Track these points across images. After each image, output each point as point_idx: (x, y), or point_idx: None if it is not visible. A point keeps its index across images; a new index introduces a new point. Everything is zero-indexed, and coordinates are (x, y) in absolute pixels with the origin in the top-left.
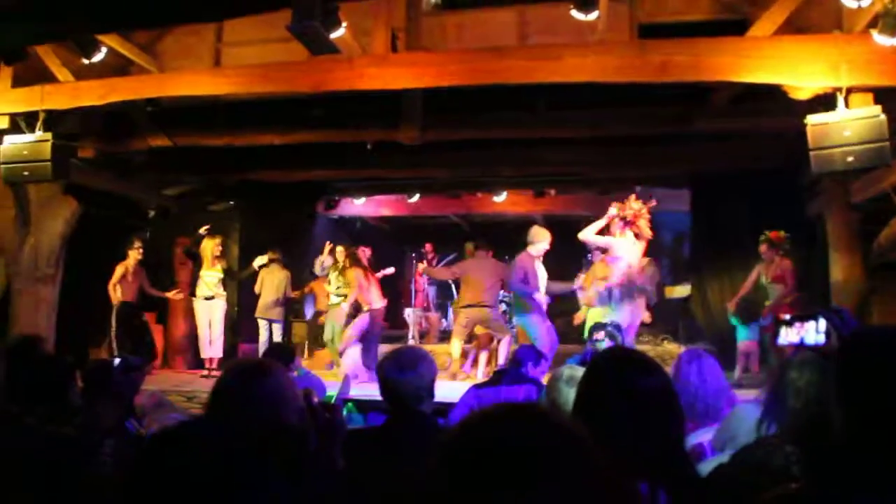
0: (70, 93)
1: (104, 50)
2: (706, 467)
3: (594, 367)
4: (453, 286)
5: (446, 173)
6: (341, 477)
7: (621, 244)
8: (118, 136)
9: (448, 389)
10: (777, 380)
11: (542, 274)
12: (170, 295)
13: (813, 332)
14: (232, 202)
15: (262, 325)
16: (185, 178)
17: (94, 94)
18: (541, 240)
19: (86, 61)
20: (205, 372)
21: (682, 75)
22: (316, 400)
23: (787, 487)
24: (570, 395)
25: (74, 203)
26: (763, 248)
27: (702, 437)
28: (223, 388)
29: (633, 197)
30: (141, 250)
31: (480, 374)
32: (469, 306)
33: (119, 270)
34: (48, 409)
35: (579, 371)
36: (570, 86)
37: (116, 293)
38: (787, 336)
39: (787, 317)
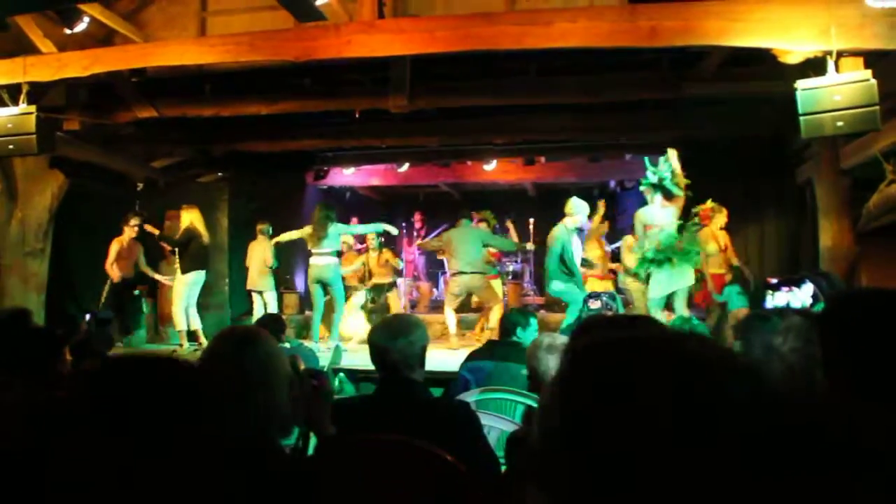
0: (53, 64)
1: (87, 20)
2: None
3: (585, 332)
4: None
5: (436, 142)
6: (331, 443)
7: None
8: (104, 107)
9: (444, 360)
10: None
11: (577, 246)
12: (163, 279)
13: (800, 296)
14: (221, 173)
15: (255, 297)
16: (173, 150)
17: (78, 66)
18: (578, 212)
19: (68, 31)
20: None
21: (672, 40)
22: (302, 367)
23: None
24: (549, 362)
25: (61, 176)
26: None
27: None
28: (212, 356)
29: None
30: (136, 228)
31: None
32: (458, 274)
33: (115, 247)
34: (38, 379)
35: (559, 338)
36: (561, 51)
37: (114, 271)
38: (775, 300)
39: (775, 281)
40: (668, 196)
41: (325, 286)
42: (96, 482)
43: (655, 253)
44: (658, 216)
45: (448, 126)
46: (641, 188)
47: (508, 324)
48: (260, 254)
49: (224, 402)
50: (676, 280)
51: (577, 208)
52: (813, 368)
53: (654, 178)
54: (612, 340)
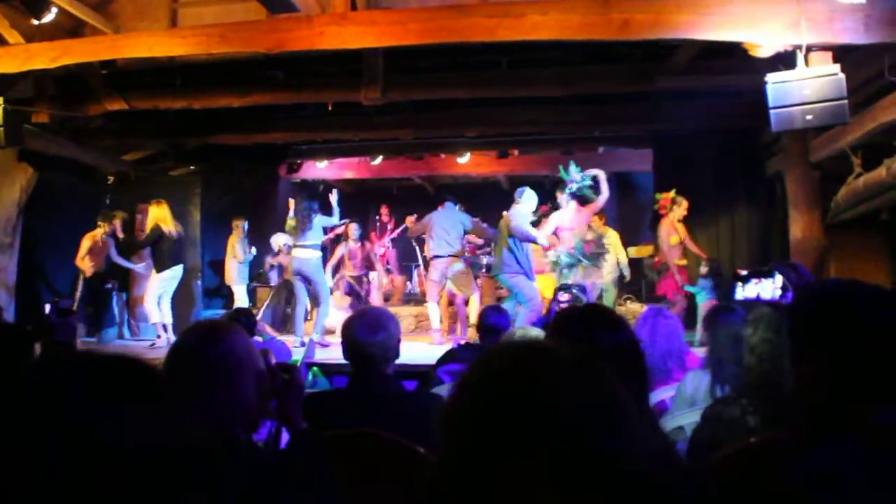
0: (20, 55)
1: (55, 10)
2: (666, 425)
3: (559, 324)
4: (417, 249)
5: (409, 134)
6: (303, 437)
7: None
8: (73, 99)
9: (418, 354)
10: (716, 343)
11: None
12: (135, 268)
13: (769, 287)
14: (193, 167)
15: (234, 291)
16: (144, 143)
17: (46, 57)
18: (526, 200)
19: (36, 22)
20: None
21: (644, 33)
22: (273, 361)
23: (744, 441)
24: None
25: (30, 170)
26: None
27: (659, 396)
28: (177, 351)
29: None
30: (109, 229)
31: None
32: (435, 257)
33: (86, 243)
34: (6, 376)
35: (532, 331)
36: (533, 44)
37: (86, 264)
38: (744, 292)
39: (744, 272)
40: (584, 202)
41: (306, 280)
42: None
43: (568, 256)
44: (572, 221)
45: (421, 119)
46: (563, 196)
47: (489, 327)
48: (233, 249)
49: (186, 398)
50: (591, 280)
51: (526, 197)
52: (781, 359)
53: (574, 188)
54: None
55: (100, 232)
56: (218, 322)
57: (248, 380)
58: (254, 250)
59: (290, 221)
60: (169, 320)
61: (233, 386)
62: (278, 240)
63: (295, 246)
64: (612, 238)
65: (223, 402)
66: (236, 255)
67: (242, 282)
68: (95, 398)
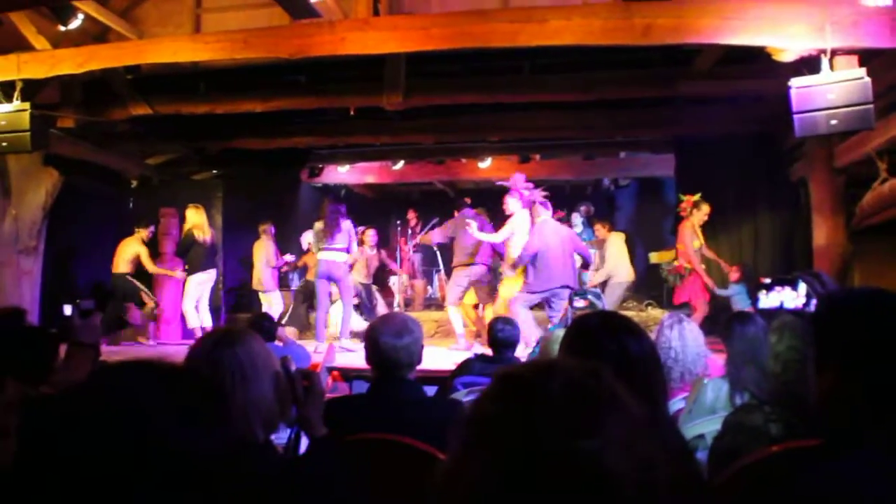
0: (47, 61)
1: (81, 17)
2: (687, 433)
3: (581, 330)
4: (438, 253)
5: (431, 139)
6: (322, 443)
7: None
8: (98, 104)
9: (438, 359)
10: (733, 351)
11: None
12: (167, 272)
13: (793, 296)
14: (215, 171)
15: (262, 297)
16: (168, 147)
17: (72, 62)
18: None
19: (62, 28)
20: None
21: (666, 37)
22: (294, 368)
23: (766, 449)
24: None
25: (55, 174)
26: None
27: (682, 403)
28: (191, 357)
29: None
30: (145, 233)
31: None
32: (466, 265)
33: (130, 249)
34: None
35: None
36: (555, 49)
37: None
38: (768, 300)
39: (768, 281)
40: None
41: (335, 281)
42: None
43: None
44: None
45: (443, 124)
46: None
47: (500, 340)
48: (260, 255)
49: (203, 403)
50: None
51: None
52: (805, 367)
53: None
54: None
55: (141, 237)
56: (232, 329)
57: (265, 381)
58: (288, 256)
59: (318, 225)
60: (209, 323)
61: (248, 387)
62: (308, 237)
63: (324, 249)
64: (614, 244)
65: (240, 404)
66: (269, 260)
67: (275, 287)
68: (155, 408)
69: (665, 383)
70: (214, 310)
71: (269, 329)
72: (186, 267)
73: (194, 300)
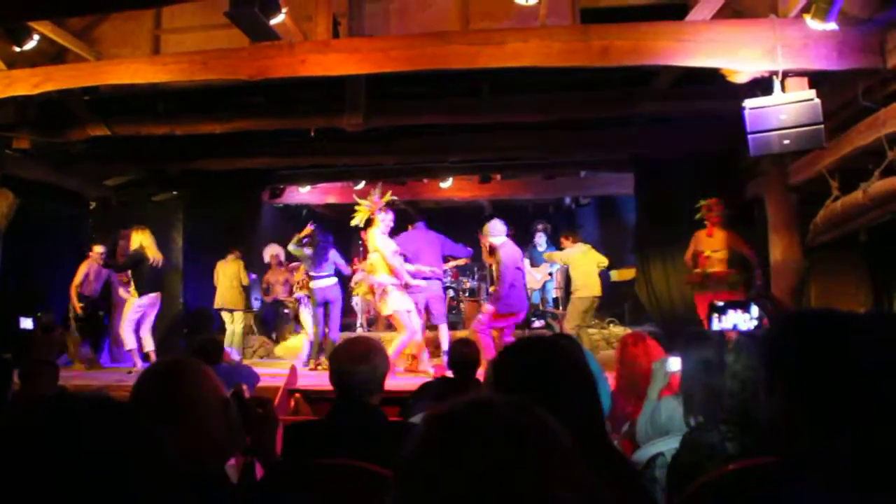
0: (2, 81)
1: (36, 37)
2: (646, 452)
3: (506, 363)
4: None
5: (392, 160)
6: (278, 470)
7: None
8: (55, 125)
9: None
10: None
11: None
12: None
13: (745, 317)
14: (175, 192)
15: (225, 315)
16: (127, 169)
17: (28, 83)
18: (490, 234)
19: (17, 49)
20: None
21: (623, 59)
22: (248, 395)
23: (722, 468)
24: None
25: (10, 195)
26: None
27: None
28: (136, 391)
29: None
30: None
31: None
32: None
33: (83, 269)
34: None
35: None
36: (514, 71)
37: (75, 294)
38: (721, 323)
39: (721, 303)
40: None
41: (329, 303)
42: None
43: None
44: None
45: (404, 144)
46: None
47: (469, 363)
48: (231, 273)
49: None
50: None
51: (491, 230)
52: (759, 387)
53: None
54: None
55: (95, 256)
56: (175, 360)
57: (212, 411)
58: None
59: (298, 251)
60: (151, 346)
61: (196, 419)
62: (272, 250)
63: (313, 278)
64: (575, 256)
65: (189, 435)
66: (242, 280)
67: (239, 305)
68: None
69: (598, 400)
70: (173, 330)
71: (214, 352)
72: (131, 286)
73: (133, 321)
